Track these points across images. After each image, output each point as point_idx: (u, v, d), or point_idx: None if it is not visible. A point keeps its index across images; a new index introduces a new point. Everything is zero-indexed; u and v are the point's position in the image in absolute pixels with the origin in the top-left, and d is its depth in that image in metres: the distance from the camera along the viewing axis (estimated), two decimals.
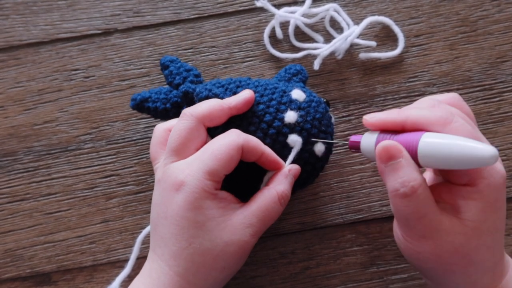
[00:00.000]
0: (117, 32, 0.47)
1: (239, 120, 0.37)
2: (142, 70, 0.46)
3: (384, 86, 0.45)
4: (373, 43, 0.46)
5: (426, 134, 0.30)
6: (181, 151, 0.35)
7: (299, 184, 0.39)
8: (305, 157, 0.38)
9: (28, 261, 0.43)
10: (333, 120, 0.40)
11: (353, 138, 0.35)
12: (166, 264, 0.34)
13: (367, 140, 0.33)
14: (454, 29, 0.46)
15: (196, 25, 0.47)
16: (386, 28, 0.46)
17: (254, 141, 0.35)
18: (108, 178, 0.44)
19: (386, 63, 0.46)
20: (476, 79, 0.45)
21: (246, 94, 0.38)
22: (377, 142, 0.32)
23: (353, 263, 0.42)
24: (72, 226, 0.44)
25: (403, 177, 0.30)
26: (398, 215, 0.32)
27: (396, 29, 0.46)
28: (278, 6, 0.46)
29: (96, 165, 0.45)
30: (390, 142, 0.30)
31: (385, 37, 0.46)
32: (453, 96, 0.34)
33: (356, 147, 0.34)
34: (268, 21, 0.46)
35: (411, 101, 0.44)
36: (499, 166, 0.31)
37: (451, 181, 0.32)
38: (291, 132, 0.37)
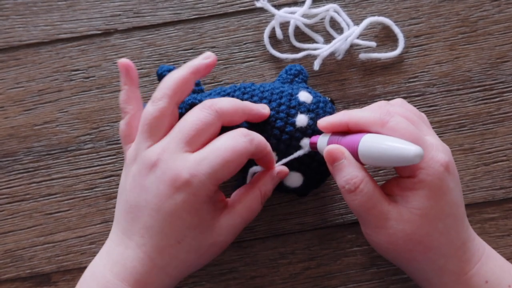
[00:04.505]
0: (117, 33, 0.47)
1: (250, 126, 0.37)
2: (142, 70, 0.46)
3: (384, 86, 0.45)
4: (373, 44, 0.46)
5: (366, 136, 0.33)
6: (193, 143, 0.34)
7: (314, 185, 0.40)
8: (319, 159, 0.38)
9: (28, 262, 0.43)
10: None
11: (312, 139, 0.37)
12: (146, 255, 0.33)
13: (321, 142, 0.36)
14: (454, 29, 0.46)
15: (196, 25, 0.47)
16: (386, 29, 0.46)
17: (263, 145, 0.35)
18: (108, 179, 0.44)
19: (386, 63, 0.46)
20: (476, 80, 0.45)
21: (266, 110, 0.38)
22: (328, 143, 0.35)
23: (353, 263, 0.42)
24: (72, 227, 0.44)
25: (346, 175, 0.33)
26: (352, 209, 0.35)
27: (396, 29, 0.46)
28: (278, 6, 0.46)
29: (96, 166, 0.45)
30: (333, 146, 0.34)
31: (385, 37, 0.46)
32: (397, 100, 0.38)
33: (314, 147, 0.37)
34: (268, 22, 0.46)
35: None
36: (438, 155, 0.33)
37: (399, 174, 0.35)
38: (304, 135, 0.38)
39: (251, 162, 0.37)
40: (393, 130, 0.33)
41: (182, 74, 0.36)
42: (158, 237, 0.33)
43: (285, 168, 0.38)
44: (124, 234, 0.35)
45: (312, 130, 0.38)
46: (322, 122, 0.36)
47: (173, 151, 0.33)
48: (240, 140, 0.34)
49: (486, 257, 0.35)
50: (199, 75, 0.37)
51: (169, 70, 0.40)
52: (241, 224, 0.36)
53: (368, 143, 0.32)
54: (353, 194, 0.33)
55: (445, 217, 0.33)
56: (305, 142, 0.38)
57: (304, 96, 0.39)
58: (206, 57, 0.37)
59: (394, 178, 0.36)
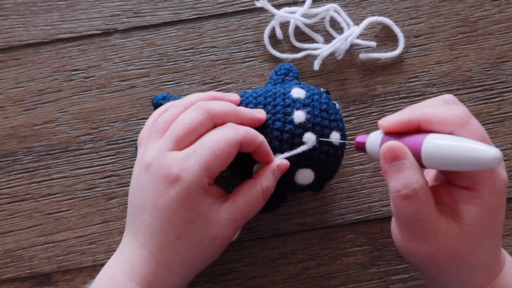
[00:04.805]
0: (117, 33, 0.47)
1: None
2: (142, 70, 0.46)
3: (384, 86, 0.45)
4: (373, 44, 0.45)
5: (430, 135, 0.30)
6: (182, 141, 0.35)
7: (327, 177, 0.40)
8: (325, 150, 0.38)
9: (28, 262, 0.43)
10: (337, 106, 0.41)
11: (358, 138, 0.35)
12: (150, 253, 0.34)
13: (373, 141, 0.33)
14: (454, 29, 0.46)
15: (196, 25, 0.47)
16: (386, 29, 0.46)
17: (252, 135, 0.35)
18: (108, 179, 0.44)
19: (386, 63, 0.46)
20: (476, 79, 0.45)
21: (260, 115, 0.38)
22: (382, 142, 0.32)
23: (353, 263, 0.42)
24: (72, 227, 0.44)
25: (406, 178, 0.30)
26: (398, 215, 0.32)
27: (396, 29, 0.45)
28: (278, 6, 0.46)
29: (96, 166, 0.45)
30: (395, 142, 0.30)
31: (385, 37, 0.46)
32: (449, 96, 0.34)
33: (361, 147, 0.35)
34: (268, 22, 0.46)
35: (411, 102, 0.45)
36: (502, 173, 0.31)
37: (453, 182, 0.32)
38: (305, 131, 0.38)
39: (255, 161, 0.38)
40: (471, 133, 0.29)
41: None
42: (158, 234, 0.34)
43: (285, 161, 0.37)
44: (131, 235, 0.36)
45: (312, 124, 0.38)
46: (386, 122, 0.32)
47: (165, 150, 0.35)
48: (225, 130, 0.35)
49: (508, 267, 0.34)
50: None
51: (163, 98, 0.41)
52: (241, 218, 0.36)
53: (434, 143, 0.29)
54: (408, 201, 0.30)
55: (492, 235, 0.32)
56: (308, 137, 0.38)
57: (297, 92, 0.39)
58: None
59: (445, 185, 0.33)
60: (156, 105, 0.41)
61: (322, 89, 0.41)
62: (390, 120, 0.32)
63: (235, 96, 0.39)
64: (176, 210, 0.33)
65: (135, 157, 0.45)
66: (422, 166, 0.30)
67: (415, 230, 0.31)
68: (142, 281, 0.34)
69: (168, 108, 0.38)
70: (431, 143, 0.29)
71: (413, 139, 0.30)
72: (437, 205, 0.31)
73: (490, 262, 0.33)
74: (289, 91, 0.39)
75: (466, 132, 0.29)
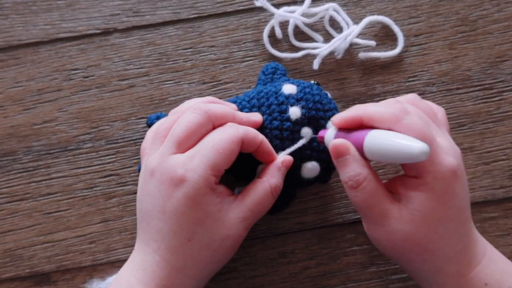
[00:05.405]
0: (116, 32, 0.47)
1: None
2: (142, 69, 0.46)
3: (383, 85, 0.45)
4: (372, 43, 0.46)
5: (372, 131, 0.32)
6: (183, 143, 0.35)
7: (333, 167, 0.39)
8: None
9: (27, 261, 0.43)
10: (330, 96, 0.41)
11: (320, 133, 0.37)
12: (162, 258, 0.34)
13: (329, 137, 0.36)
14: (453, 28, 0.46)
15: (195, 24, 0.47)
16: (385, 28, 0.46)
17: (252, 133, 0.36)
18: (108, 178, 0.44)
19: (386, 62, 0.46)
20: (475, 79, 0.45)
21: (256, 118, 0.38)
22: (335, 138, 0.35)
23: (353, 262, 0.42)
24: (71, 226, 0.44)
25: (350, 172, 0.33)
26: (353, 204, 0.35)
27: (396, 28, 0.46)
28: (278, 5, 0.46)
29: (96, 165, 0.45)
30: (339, 140, 0.34)
31: (385, 36, 0.46)
32: (411, 95, 0.37)
33: (322, 141, 0.37)
34: (267, 21, 0.46)
35: None
36: (447, 159, 0.32)
37: (405, 172, 0.34)
38: (302, 126, 0.38)
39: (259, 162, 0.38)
40: (406, 128, 0.32)
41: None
42: (168, 238, 0.34)
43: (288, 157, 0.37)
44: (142, 242, 0.36)
45: (308, 118, 0.38)
46: (336, 119, 0.35)
47: (168, 154, 0.35)
48: (226, 129, 0.35)
49: (488, 260, 0.34)
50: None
51: (158, 117, 0.41)
52: (251, 217, 0.36)
53: (373, 138, 0.32)
54: (355, 191, 0.33)
55: (448, 221, 0.33)
56: (305, 131, 0.38)
57: (288, 88, 0.39)
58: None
59: (400, 176, 0.35)
60: (151, 126, 0.41)
61: (312, 81, 0.41)
62: (338, 117, 0.35)
63: (232, 105, 0.39)
64: (185, 212, 0.33)
65: (135, 156, 0.45)
66: (366, 159, 0.33)
67: (370, 217, 0.34)
68: (156, 286, 0.34)
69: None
70: (371, 139, 0.32)
71: (359, 134, 0.33)
72: (394, 195, 0.34)
73: (456, 249, 0.33)
74: (280, 89, 0.39)
75: (401, 127, 0.32)
